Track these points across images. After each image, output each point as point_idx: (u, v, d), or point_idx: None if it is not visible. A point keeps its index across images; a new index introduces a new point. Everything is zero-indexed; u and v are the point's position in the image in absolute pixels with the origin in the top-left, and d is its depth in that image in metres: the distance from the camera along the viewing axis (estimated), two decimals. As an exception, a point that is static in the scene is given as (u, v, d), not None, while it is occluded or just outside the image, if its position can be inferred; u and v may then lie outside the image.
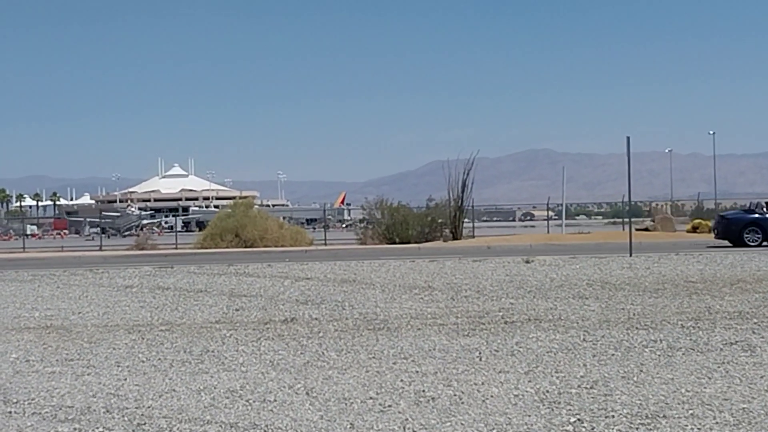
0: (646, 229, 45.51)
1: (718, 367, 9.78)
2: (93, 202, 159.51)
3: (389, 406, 8.37)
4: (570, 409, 8.07)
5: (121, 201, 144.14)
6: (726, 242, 33.62)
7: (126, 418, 8.19)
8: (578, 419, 7.76)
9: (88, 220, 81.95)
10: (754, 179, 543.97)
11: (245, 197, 72.03)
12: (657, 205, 75.25)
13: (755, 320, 13.04)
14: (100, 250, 46.00)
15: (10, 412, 8.56)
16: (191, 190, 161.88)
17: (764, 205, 34.03)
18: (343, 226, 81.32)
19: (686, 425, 7.50)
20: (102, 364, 10.87)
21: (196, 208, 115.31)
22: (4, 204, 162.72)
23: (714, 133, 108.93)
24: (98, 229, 66.52)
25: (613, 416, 7.82)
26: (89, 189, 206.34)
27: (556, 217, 60.38)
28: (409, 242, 42.72)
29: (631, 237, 28.69)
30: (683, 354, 10.56)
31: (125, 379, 9.90)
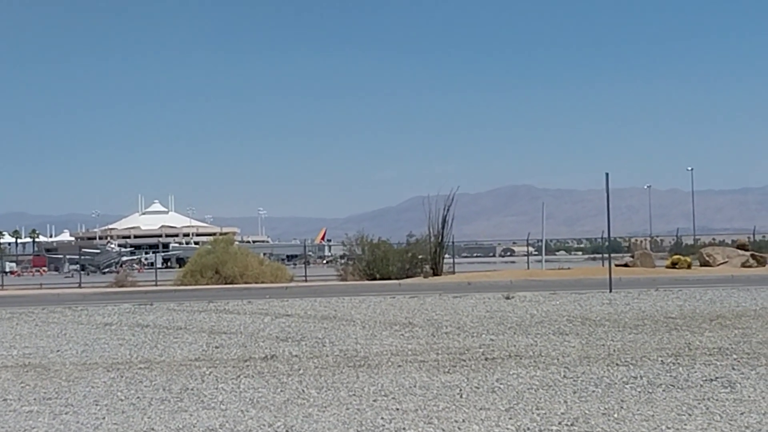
0: (626, 265, 45.60)
1: (699, 403, 9.81)
2: (73, 239, 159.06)
3: (370, 444, 8.33)
4: (551, 447, 8.06)
5: (100, 238, 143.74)
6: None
7: (104, 458, 8.11)
8: (559, 456, 7.75)
9: (67, 257, 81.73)
10: (732, 215, 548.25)
11: (225, 233, 71.84)
12: (636, 240, 75.73)
13: (735, 356, 13.09)
14: (80, 287, 45.73)
15: (-13, 453, 8.47)
16: (171, 227, 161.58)
17: None
18: (324, 262, 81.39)
19: (667, 462, 7.50)
20: (80, 403, 10.78)
21: (176, 245, 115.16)
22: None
23: (692, 169, 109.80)
24: (78, 266, 66.22)
25: (594, 453, 7.82)
26: (69, 226, 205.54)
27: (536, 253, 60.56)
28: (389, 278, 42.66)
29: (610, 273, 28.81)
30: (663, 390, 10.59)
31: (104, 418, 9.82)
